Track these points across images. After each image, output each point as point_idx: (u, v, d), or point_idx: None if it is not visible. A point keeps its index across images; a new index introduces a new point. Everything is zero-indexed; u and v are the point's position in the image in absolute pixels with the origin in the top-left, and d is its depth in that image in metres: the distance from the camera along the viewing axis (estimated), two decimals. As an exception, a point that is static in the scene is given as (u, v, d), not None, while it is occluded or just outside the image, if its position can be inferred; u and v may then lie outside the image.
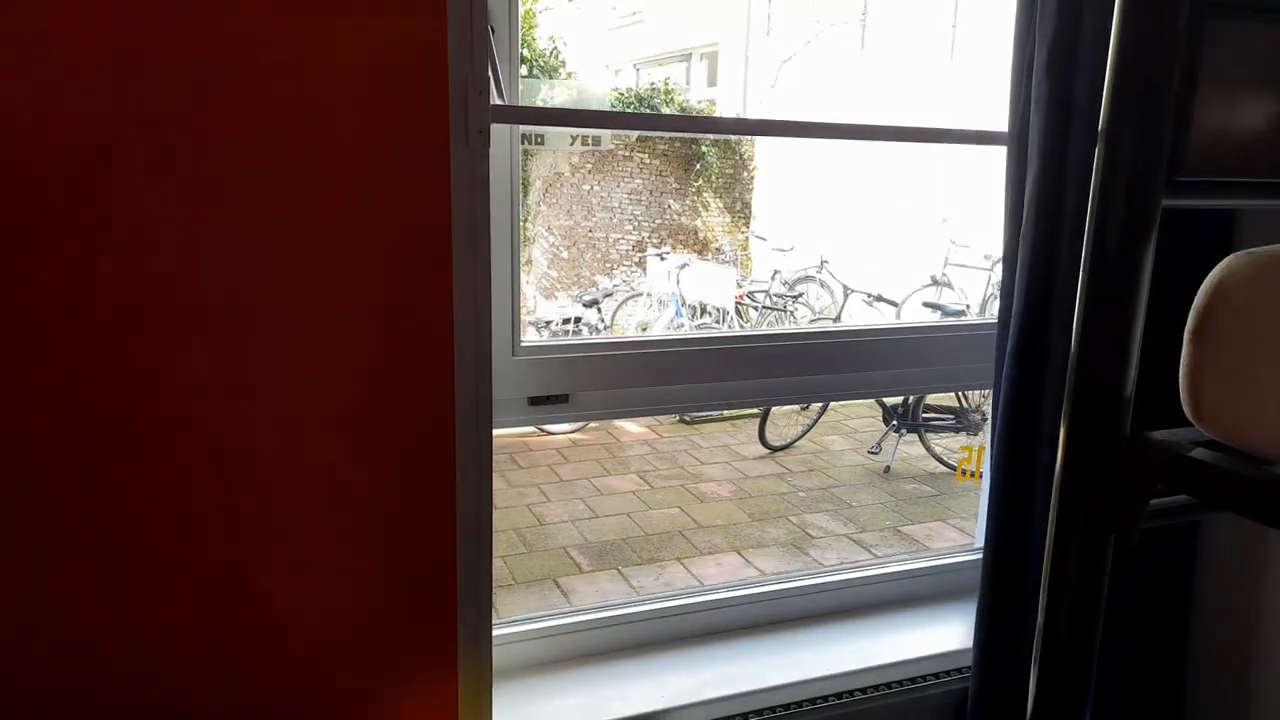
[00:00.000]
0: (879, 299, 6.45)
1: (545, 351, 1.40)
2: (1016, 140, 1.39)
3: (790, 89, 9.20)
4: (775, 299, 7.92)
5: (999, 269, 7.62)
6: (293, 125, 1.03)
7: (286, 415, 1.08)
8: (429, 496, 1.17)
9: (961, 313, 6.22)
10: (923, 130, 1.61)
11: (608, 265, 9.02)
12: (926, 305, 6.67)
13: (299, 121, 1.04)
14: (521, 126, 1.38)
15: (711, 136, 9.44)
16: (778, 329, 1.48)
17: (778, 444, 6.10)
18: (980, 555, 1.50)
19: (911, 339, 1.66)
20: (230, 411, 1.06)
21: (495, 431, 1.19)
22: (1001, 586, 1.46)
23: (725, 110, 9.45)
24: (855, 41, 9.37)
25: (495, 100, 1.19)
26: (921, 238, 9.86)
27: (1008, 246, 1.44)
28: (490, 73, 1.15)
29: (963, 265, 9.54)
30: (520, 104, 1.37)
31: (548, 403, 1.42)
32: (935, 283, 9.52)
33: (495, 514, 1.22)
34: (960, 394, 5.58)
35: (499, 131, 1.28)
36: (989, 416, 1.83)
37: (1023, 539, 1.45)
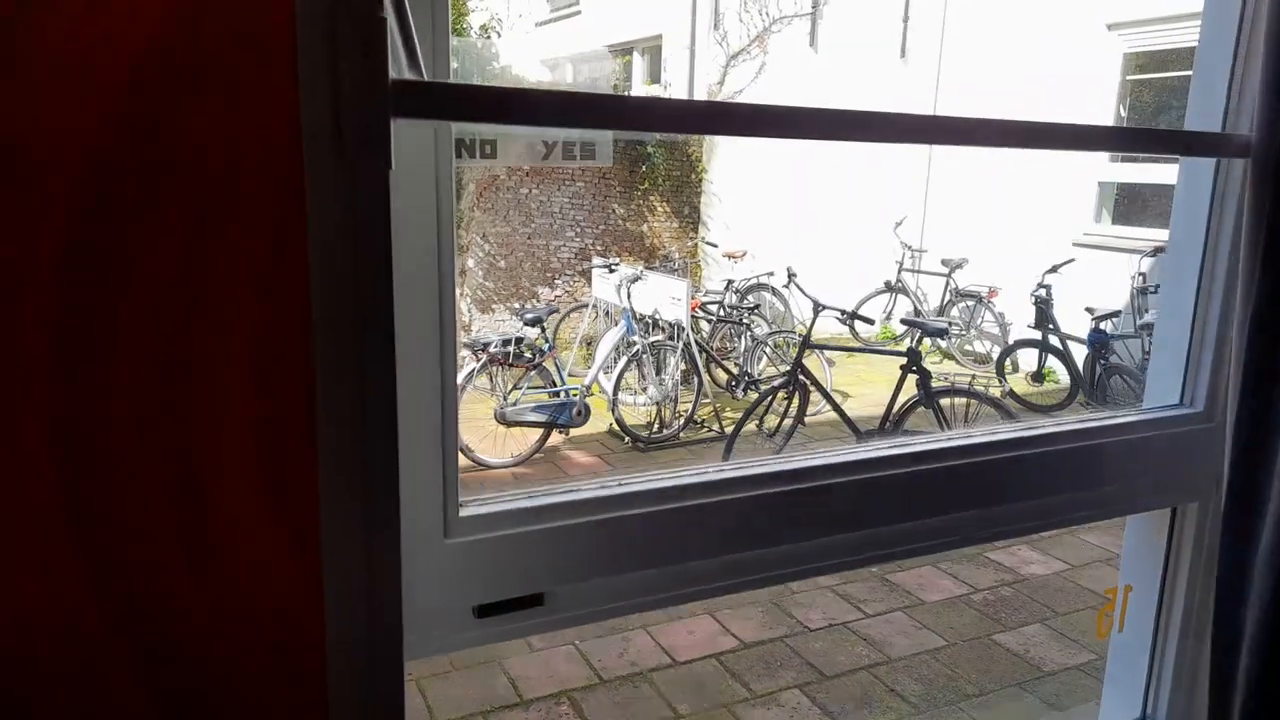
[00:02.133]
0: (856, 316, 5.94)
1: (504, 523, 0.77)
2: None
3: (739, 87, 8.67)
4: (730, 310, 7.38)
5: (958, 274, 7.19)
6: None
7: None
8: None
9: (944, 331, 5.74)
10: (1121, 132, 1.01)
11: (549, 275, 8.36)
12: (905, 323, 6.19)
13: None
14: (460, 127, 0.74)
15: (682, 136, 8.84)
16: (883, 448, 0.82)
17: (742, 475, 5.53)
18: None
19: (1084, 449, 1.07)
20: None
21: None
22: None
23: (672, 108, 8.87)
24: (805, 38, 8.89)
25: (407, 73, 0.57)
26: (875, 242, 9.46)
27: (1263, 294, 0.86)
28: (395, 24, 0.54)
29: (920, 271, 9.17)
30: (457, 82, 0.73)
31: (509, 610, 0.79)
32: (890, 288, 9.13)
33: None
34: (942, 417, 5.09)
35: (415, 135, 0.66)
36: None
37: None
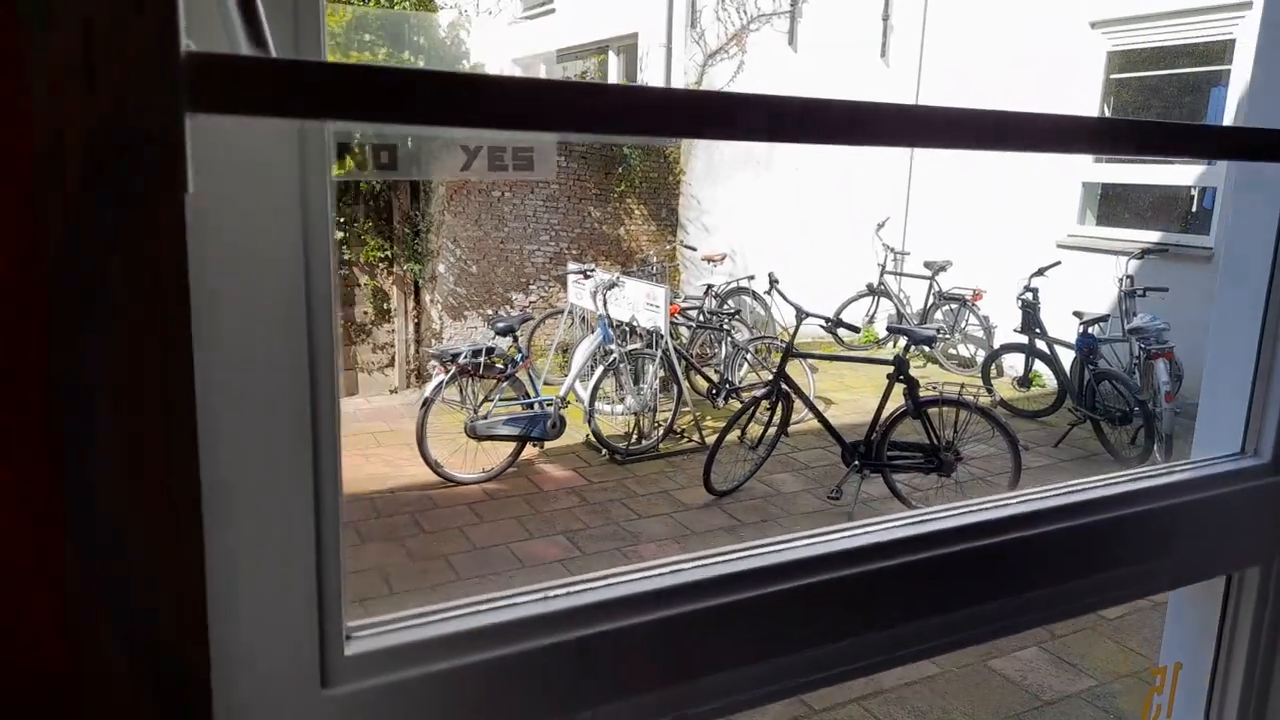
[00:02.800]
0: (841, 323, 5.75)
1: (413, 659, 0.56)
2: None
3: (718, 86, 8.48)
4: (710, 316, 7.19)
5: (941, 277, 7.10)
6: None
7: None
8: None
9: (932, 339, 5.56)
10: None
11: (522, 280, 8.13)
12: (892, 330, 6.01)
13: None
14: (340, 125, 0.52)
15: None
16: (896, 525, 0.61)
17: (724, 488, 5.34)
18: None
19: (1134, 515, 0.88)
20: None
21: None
22: None
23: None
24: (784, 37, 8.72)
25: (244, 47, 0.36)
26: (857, 243, 9.30)
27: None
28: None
29: (903, 274, 9.03)
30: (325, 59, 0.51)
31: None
32: (872, 291, 8.98)
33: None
34: (931, 428, 4.92)
35: (269, 132, 0.44)
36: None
37: None
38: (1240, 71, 6.77)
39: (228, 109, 0.35)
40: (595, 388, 5.94)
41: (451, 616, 0.58)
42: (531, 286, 8.18)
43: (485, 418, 5.56)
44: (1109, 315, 6.63)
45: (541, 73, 10.37)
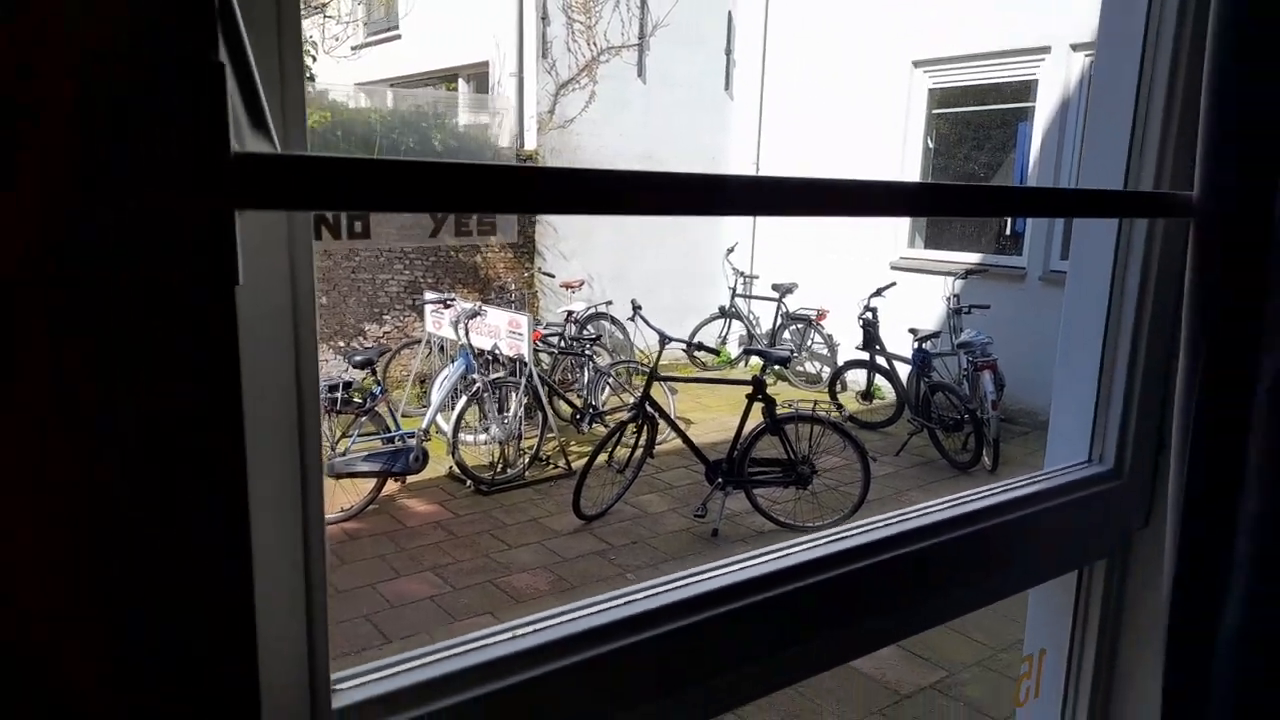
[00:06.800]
0: (701, 347, 5.92)
1: (402, 706, 0.57)
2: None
3: (570, 116, 8.59)
4: (572, 342, 7.24)
5: (788, 299, 7.46)
6: None
7: None
8: None
9: (787, 359, 5.83)
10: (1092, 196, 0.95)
11: (376, 310, 7.91)
12: (750, 352, 6.24)
13: None
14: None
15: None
16: (803, 547, 0.69)
17: (593, 512, 5.38)
18: None
19: (1000, 525, 0.99)
20: None
21: None
22: None
23: (503, 136, 8.66)
24: (633, 69, 8.95)
25: (251, 142, 0.37)
26: (708, 268, 9.62)
27: (1212, 350, 0.80)
28: (233, 73, 0.34)
29: (753, 296, 9.40)
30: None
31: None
32: (724, 314, 9.31)
33: None
34: (788, 443, 5.16)
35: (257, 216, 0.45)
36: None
37: None
38: (1043, 109, 7.53)
39: (277, 204, 0.37)
40: (459, 418, 5.86)
41: (430, 662, 0.60)
42: (386, 317, 7.97)
43: (344, 455, 5.36)
44: (940, 331, 7.17)
45: (387, 98, 10.17)
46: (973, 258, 8.10)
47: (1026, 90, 7.76)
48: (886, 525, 0.96)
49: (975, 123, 8.35)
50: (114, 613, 0.37)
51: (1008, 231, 8.08)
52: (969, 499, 1.05)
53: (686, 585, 0.77)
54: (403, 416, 6.39)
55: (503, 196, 0.42)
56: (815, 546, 0.90)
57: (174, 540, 0.37)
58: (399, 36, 9.61)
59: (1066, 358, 1.16)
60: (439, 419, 6.14)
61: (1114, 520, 1.14)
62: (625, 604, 0.73)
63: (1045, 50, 7.39)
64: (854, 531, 0.94)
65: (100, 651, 0.37)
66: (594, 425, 6.71)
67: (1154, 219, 0.98)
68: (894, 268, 8.35)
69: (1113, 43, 1.05)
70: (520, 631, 0.66)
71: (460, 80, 9.62)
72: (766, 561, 0.87)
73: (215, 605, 0.41)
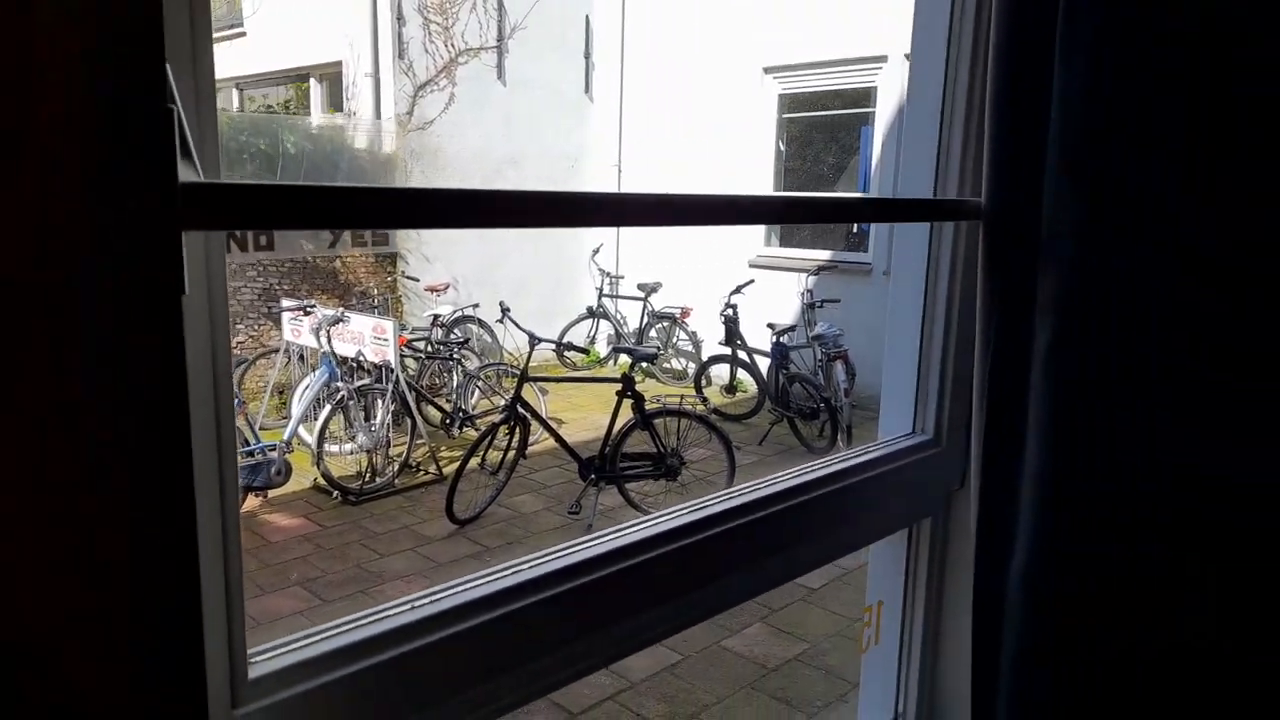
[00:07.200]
0: (571, 347, 6.01)
1: (309, 674, 0.64)
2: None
3: (430, 118, 8.49)
4: (439, 346, 7.17)
5: (653, 298, 7.64)
6: None
7: None
8: None
9: (654, 356, 5.99)
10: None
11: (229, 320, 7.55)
12: (618, 350, 6.38)
13: None
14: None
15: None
16: (632, 530, 0.81)
17: (467, 516, 5.38)
18: None
19: (840, 490, 1.13)
20: None
21: None
22: None
23: (359, 138, 8.45)
24: (493, 71, 8.93)
25: (181, 169, 0.44)
26: (575, 268, 9.72)
27: (1000, 338, 0.96)
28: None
29: (619, 296, 9.56)
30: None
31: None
32: (592, 314, 9.43)
33: None
34: (657, 438, 5.32)
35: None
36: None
37: None
38: (882, 113, 8.03)
39: (214, 225, 0.44)
40: (323, 428, 5.71)
41: (339, 633, 0.66)
42: (239, 326, 7.64)
43: (201, 470, 5.13)
44: (796, 325, 7.55)
45: (233, 98, 9.73)
46: (824, 255, 8.55)
47: (868, 96, 8.26)
48: (743, 494, 1.08)
49: (823, 126, 8.81)
50: (106, 602, 0.43)
51: (855, 230, 8.58)
52: (813, 469, 1.18)
53: (569, 554, 0.86)
54: (261, 429, 6.17)
55: (406, 213, 0.49)
56: (681, 515, 1.01)
57: (139, 532, 0.43)
58: (244, 34, 9.22)
59: (893, 344, 1.33)
60: (301, 430, 5.96)
61: (935, 483, 1.31)
62: (514, 573, 0.82)
63: (883, 59, 7.89)
64: (716, 500, 1.06)
65: (99, 643, 0.42)
66: (465, 429, 6.68)
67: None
68: (752, 266, 8.70)
69: (922, 57, 1.21)
70: (419, 602, 0.73)
71: (312, 80, 9.32)
72: (638, 530, 0.97)
73: (167, 589, 0.47)
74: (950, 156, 1.13)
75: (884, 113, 8.00)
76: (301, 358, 6.66)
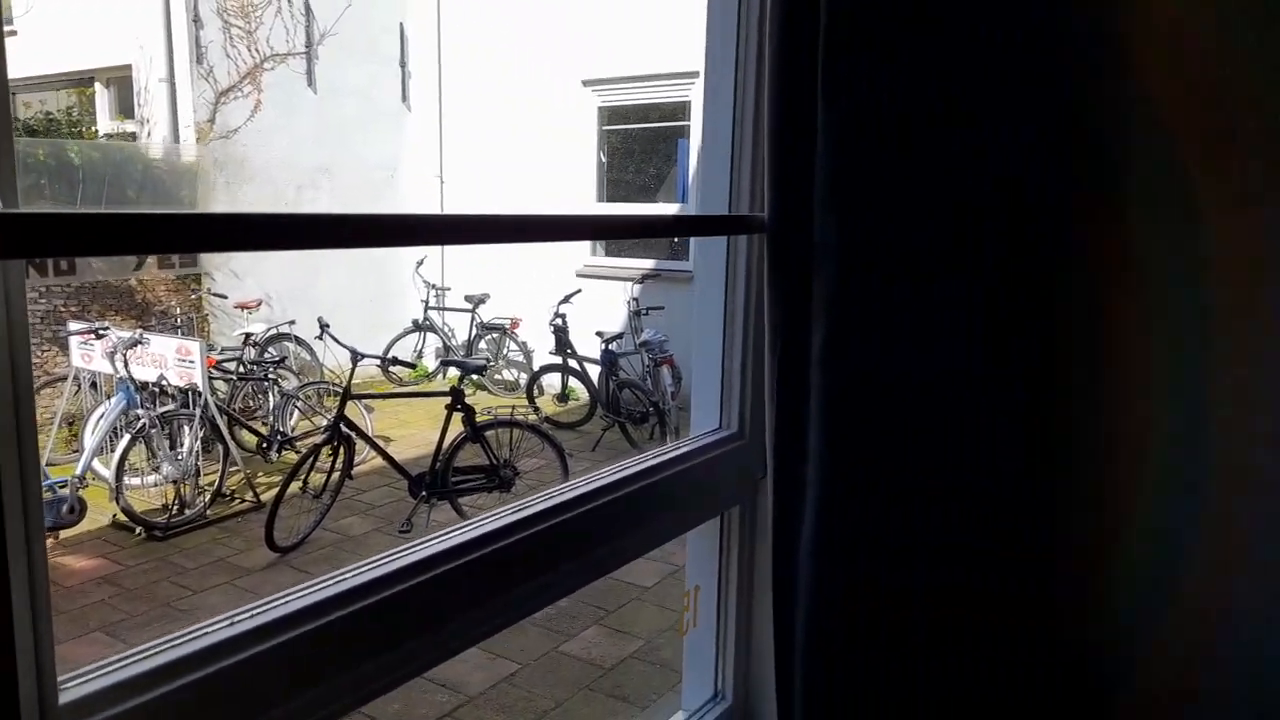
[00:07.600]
0: (396, 361, 5.86)
1: (125, 696, 0.64)
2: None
3: (234, 126, 8.04)
4: (252, 367, 6.80)
5: (481, 309, 7.65)
6: None
7: None
8: None
9: (483, 367, 5.97)
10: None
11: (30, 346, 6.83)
12: (446, 364, 6.27)
13: None
14: None
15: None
16: (453, 534, 0.89)
17: (289, 543, 5.14)
18: None
19: (655, 483, 1.21)
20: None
21: None
22: None
23: (154, 148, 7.86)
24: (303, 78, 8.58)
25: None
26: (398, 282, 9.48)
27: (785, 343, 1.07)
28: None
29: (446, 309, 9.41)
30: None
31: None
32: (418, 327, 9.23)
33: None
34: (489, 449, 5.30)
35: None
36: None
37: None
38: (696, 127, 8.37)
39: (17, 255, 0.45)
40: (121, 459, 5.28)
41: (151, 654, 0.67)
42: (18, 352, 6.91)
43: (-24, 513, 4.62)
44: (624, 333, 7.72)
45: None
46: (648, 264, 8.79)
47: (684, 110, 8.58)
48: (563, 492, 1.14)
49: (642, 138, 9.06)
50: None
51: (676, 240, 8.87)
52: (629, 465, 1.26)
53: (390, 562, 0.89)
54: (49, 465, 5.63)
55: (212, 238, 0.51)
56: (506, 515, 1.05)
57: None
58: (15, 33, 8.36)
59: (700, 346, 1.43)
60: (96, 463, 5.49)
61: (742, 473, 1.42)
62: (336, 583, 0.84)
63: (695, 75, 8.22)
64: (540, 499, 1.11)
65: None
66: (284, 452, 6.37)
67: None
68: (580, 275, 8.82)
69: (713, 85, 1.32)
70: (239, 618, 0.74)
71: (97, 84, 8.58)
72: (458, 534, 1.00)
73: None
74: (741, 175, 1.24)
75: (698, 126, 8.34)
76: (94, 385, 6.13)
